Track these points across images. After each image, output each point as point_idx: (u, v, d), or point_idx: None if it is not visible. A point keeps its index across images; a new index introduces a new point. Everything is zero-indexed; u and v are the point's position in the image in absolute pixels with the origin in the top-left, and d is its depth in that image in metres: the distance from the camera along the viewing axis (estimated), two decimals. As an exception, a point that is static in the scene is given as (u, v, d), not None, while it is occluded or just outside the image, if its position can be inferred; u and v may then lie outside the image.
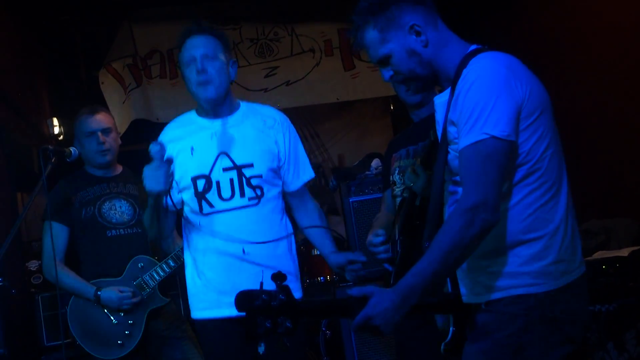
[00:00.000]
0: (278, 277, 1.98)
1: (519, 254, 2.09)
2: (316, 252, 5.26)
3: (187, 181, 3.06)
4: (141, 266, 3.89)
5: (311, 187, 7.31)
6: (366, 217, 4.37)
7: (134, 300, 3.82)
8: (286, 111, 6.78)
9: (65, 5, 6.00)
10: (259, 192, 3.06)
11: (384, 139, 7.50)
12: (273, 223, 3.11)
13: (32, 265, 5.03)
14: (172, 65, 6.28)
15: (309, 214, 3.27)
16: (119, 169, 4.05)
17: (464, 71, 2.12)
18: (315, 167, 7.37)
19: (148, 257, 3.92)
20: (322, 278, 5.23)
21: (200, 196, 3.05)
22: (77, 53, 6.63)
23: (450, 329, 2.25)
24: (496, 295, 2.11)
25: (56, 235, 3.79)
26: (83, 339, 3.82)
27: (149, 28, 6.27)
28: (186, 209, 3.13)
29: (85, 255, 3.93)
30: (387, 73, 2.31)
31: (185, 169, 3.06)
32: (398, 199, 3.29)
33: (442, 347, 2.27)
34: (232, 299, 2.60)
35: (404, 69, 2.25)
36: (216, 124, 3.08)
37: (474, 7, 6.17)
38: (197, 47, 3.00)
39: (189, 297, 3.17)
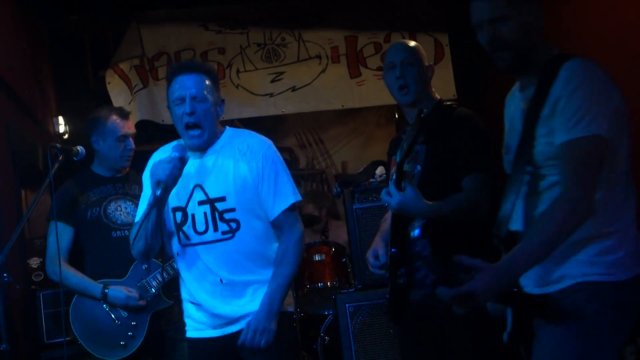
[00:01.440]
0: None
1: (595, 245, 2.24)
2: (317, 257, 5.30)
3: (169, 211, 3.09)
4: (145, 268, 3.91)
5: (312, 192, 7.38)
6: (369, 224, 4.38)
7: (140, 302, 3.85)
8: (291, 117, 7.02)
9: (74, 5, 6.06)
10: (233, 226, 3.04)
11: (387, 147, 7.54)
12: (256, 255, 3.09)
13: (34, 262, 5.05)
14: (178, 68, 6.33)
15: (275, 263, 3.11)
16: (125, 170, 4.09)
17: (563, 71, 2.26)
18: (319, 173, 7.46)
19: (152, 259, 3.92)
20: (322, 284, 5.25)
21: (178, 228, 3.09)
22: (85, 53, 6.68)
23: (509, 317, 2.32)
24: (568, 282, 2.26)
25: (61, 235, 3.84)
26: (85, 339, 3.85)
27: (157, 30, 6.32)
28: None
29: (89, 256, 3.96)
30: (484, 36, 2.40)
31: (167, 200, 3.07)
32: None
33: (505, 337, 2.33)
34: (219, 321, 3.05)
35: (512, 38, 2.33)
36: (196, 155, 3.09)
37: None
38: (187, 88, 2.99)
39: (183, 314, 3.24)
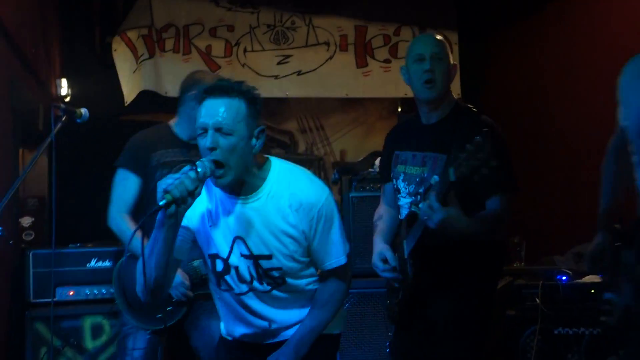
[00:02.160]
0: None
1: None
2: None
3: (205, 257, 2.81)
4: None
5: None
6: (365, 212, 4.42)
7: (189, 293, 3.67)
8: (294, 100, 7.03)
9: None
10: (279, 281, 2.76)
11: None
12: (303, 296, 2.86)
13: (26, 221, 5.11)
14: (186, 42, 6.34)
15: (313, 303, 2.88)
16: None
17: None
18: (317, 159, 7.47)
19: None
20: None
21: (219, 276, 2.79)
22: (94, 18, 6.67)
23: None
24: None
25: (128, 185, 3.72)
26: (122, 302, 3.78)
27: (167, 1, 6.33)
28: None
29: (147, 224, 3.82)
30: None
31: (202, 237, 2.76)
32: (402, 209, 3.27)
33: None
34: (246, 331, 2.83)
35: None
36: (235, 201, 2.69)
37: (508, 11, 6.24)
38: (211, 116, 2.54)
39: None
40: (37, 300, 4.36)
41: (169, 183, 2.40)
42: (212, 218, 2.72)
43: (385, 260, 3.19)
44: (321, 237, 2.73)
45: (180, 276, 3.63)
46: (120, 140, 3.92)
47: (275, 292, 2.78)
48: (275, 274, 2.73)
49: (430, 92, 3.13)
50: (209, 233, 2.73)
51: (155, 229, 2.51)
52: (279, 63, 6.45)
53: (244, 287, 2.77)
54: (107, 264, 4.54)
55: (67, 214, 3.97)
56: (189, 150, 3.78)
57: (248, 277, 2.74)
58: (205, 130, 2.54)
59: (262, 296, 2.79)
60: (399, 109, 7.41)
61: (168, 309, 3.72)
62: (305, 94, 6.58)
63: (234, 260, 2.72)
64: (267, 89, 6.32)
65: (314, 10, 6.56)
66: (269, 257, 2.70)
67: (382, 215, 3.46)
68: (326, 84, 6.52)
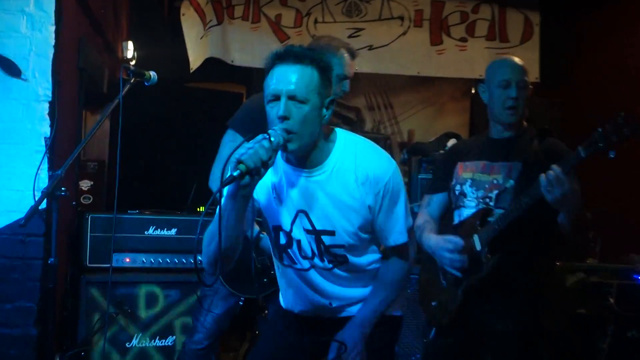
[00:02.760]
0: None
1: None
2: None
3: (269, 228, 2.80)
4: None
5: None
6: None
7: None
8: (363, 76, 6.94)
9: None
10: (341, 259, 2.74)
11: (459, 121, 7.43)
12: (366, 273, 2.83)
13: (85, 184, 5.14)
14: (256, 9, 6.28)
15: (376, 282, 2.85)
16: None
17: None
18: (384, 138, 7.39)
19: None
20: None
21: (282, 249, 2.78)
22: (164, -20, 6.70)
23: None
24: None
25: (233, 146, 3.74)
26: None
27: (239, -33, 6.30)
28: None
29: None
30: None
31: (267, 209, 2.76)
32: (465, 211, 3.35)
33: None
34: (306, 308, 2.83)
35: None
36: (299, 174, 2.66)
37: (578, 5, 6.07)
38: (285, 83, 2.49)
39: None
40: (93, 265, 4.37)
41: (242, 153, 2.36)
42: (276, 190, 2.70)
43: (453, 242, 3.26)
44: (386, 213, 2.69)
45: None
46: (184, 107, 3.90)
47: (336, 270, 2.75)
48: (338, 251, 2.71)
49: (512, 117, 3.30)
50: (273, 205, 2.72)
51: (225, 199, 2.47)
52: (350, 36, 6.33)
53: (305, 263, 2.76)
54: (165, 232, 4.53)
55: (127, 180, 3.95)
56: None
57: (309, 253, 2.73)
58: (277, 97, 2.50)
59: (323, 273, 2.76)
60: (473, 91, 7.27)
61: (264, 280, 3.75)
62: (375, 70, 6.46)
63: (297, 233, 2.71)
64: (337, 63, 6.24)
65: (390, -18, 6.43)
66: (331, 233, 2.67)
67: (427, 220, 3.54)
68: (398, 60, 6.40)
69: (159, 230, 4.54)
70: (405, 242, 2.78)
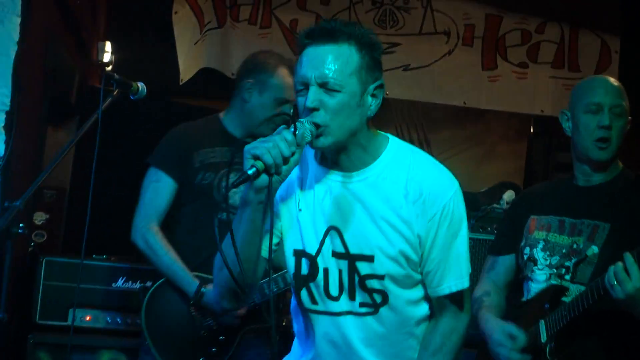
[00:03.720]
0: None
1: None
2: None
3: (289, 250, 2.69)
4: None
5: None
6: (480, 261, 4.27)
7: (238, 316, 3.76)
8: (396, 103, 6.94)
9: None
10: (378, 299, 2.61)
11: (511, 167, 7.44)
12: (403, 329, 2.68)
13: (39, 218, 5.10)
14: (266, 11, 6.30)
15: (422, 349, 2.71)
16: None
17: None
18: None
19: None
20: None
21: (302, 282, 2.67)
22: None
23: None
24: None
25: (160, 188, 3.81)
26: (155, 340, 3.81)
27: (251, -45, 6.34)
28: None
29: (181, 234, 3.90)
30: None
31: (287, 225, 2.68)
32: (534, 285, 3.27)
33: None
34: None
35: None
36: (335, 178, 2.61)
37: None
38: (314, 67, 2.46)
39: None
40: (45, 322, 4.34)
41: (258, 147, 2.31)
42: (303, 200, 2.65)
43: (513, 338, 3.15)
44: (442, 247, 2.59)
45: None
46: (169, 127, 3.91)
47: (371, 320, 2.63)
48: (375, 284, 2.59)
49: (603, 153, 3.17)
50: (296, 220, 2.65)
51: (239, 209, 2.45)
52: (382, 52, 6.34)
53: (331, 305, 2.64)
54: (137, 285, 4.51)
55: (93, 216, 3.93)
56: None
57: (337, 288, 2.62)
58: (305, 85, 2.48)
59: (347, 323, 2.63)
60: (531, 130, 7.28)
61: (212, 350, 3.75)
62: (410, 97, 6.49)
63: (324, 259, 2.62)
64: (364, 84, 6.23)
65: (435, -12, 6.46)
66: (369, 258, 2.57)
67: (488, 291, 3.46)
68: (440, 86, 6.40)
69: (130, 282, 4.52)
70: (465, 291, 2.68)
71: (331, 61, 2.44)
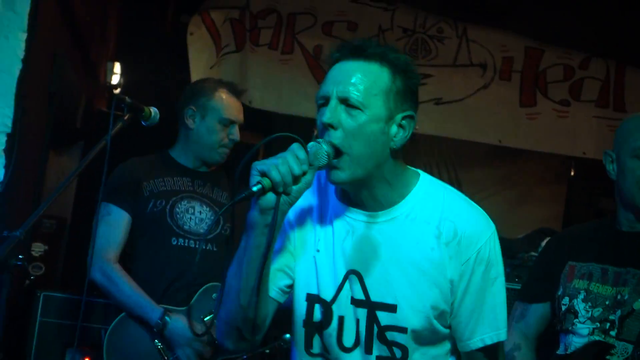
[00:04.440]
0: None
1: None
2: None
3: (299, 297, 2.60)
4: (215, 298, 3.85)
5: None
6: (513, 313, 4.29)
7: (207, 349, 3.80)
8: (425, 139, 6.92)
9: None
10: (397, 353, 2.51)
11: (549, 212, 7.39)
12: None
13: (37, 249, 5.13)
14: (289, 36, 6.34)
15: None
16: (215, 166, 4.12)
17: None
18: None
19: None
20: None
21: (314, 330, 2.58)
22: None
23: None
24: None
25: (112, 221, 3.87)
26: None
27: (272, -24, 6.39)
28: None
29: (141, 266, 3.95)
30: None
31: (301, 267, 2.60)
32: (575, 339, 3.22)
33: None
34: None
35: None
36: (358, 217, 2.54)
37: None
38: (337, 82, 2.42)
39: None
40: (39, 363, 4.31)
41: (266, 162, 2.25)
42: (319, 239, 2.57)
43: None
44: (476, 293, 2.49)
45: (189, 328, 3.75)
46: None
47: None
48: (397, 337, 2.49)
49: None
50: (312, 261, 2.57)
51: (243, 235, 2.38)
52: (419, 83, 6.35)
53: (342, 357, 2.54)
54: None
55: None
56: (194, 180, 4.02)
57: (353, 339, 2.52)
58: (326, 100, 2.42)
59: None
60: (572, 173, 7.25)
61: None
62: (441, 132, 6.50)
63: (341, 306, 2.52)
64: (391, 118, 6.24)
65: (471, 17, 6.47)
66: (392, 308, 2.47)
67: (519, 345, 3.40)
68: (474, 122, 6.44)
69: (134, 322, 4.49)
70: (501, 345, 2.58)
71: (357, 77, 2.40)
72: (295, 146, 2.30)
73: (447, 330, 2.54)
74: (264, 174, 2.23)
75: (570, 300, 3.25)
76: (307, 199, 2.57)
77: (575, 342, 3.20)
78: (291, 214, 2.53)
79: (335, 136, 2.37)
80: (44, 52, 4.34)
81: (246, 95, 6.13)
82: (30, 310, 4.37)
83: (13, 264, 2.88)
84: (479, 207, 2.58)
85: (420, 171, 2.60)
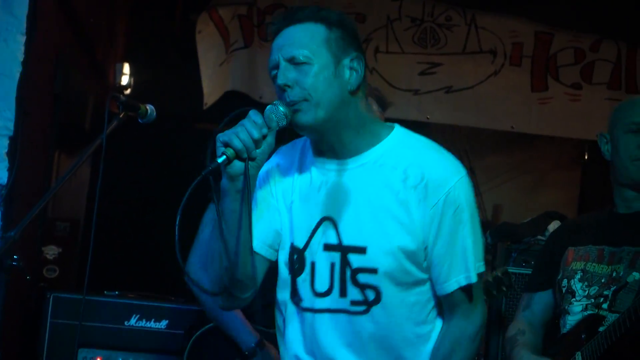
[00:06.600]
0: None
1: None
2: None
3: (286, 243, 2.69)
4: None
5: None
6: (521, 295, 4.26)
7: None
8: (437, 128, 6.90)
9: None
10: (370, 296, 2.58)
11: (564, 197, 7.37)
12: (397, 339, 2.63)
13: (50, 251, 5.13)
14: (297, 29, 6.32)
15: (435, 351, 2.66)
16: None
17: None
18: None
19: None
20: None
21: (291, 279, 2.69)
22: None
23: None
24: None
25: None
26: None
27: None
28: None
29: None
30: None
31: (284, 224, 2.69)
32: (570, 318, 3.25)
33: None
34: None
35: None
36: (330, 166, 2.64)
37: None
38: (280, 47, 2.53)
39: None
40: (50, 365, 4.32)
41: (227, 133, 2.37)
42: (294, 190, 2.68)
43: None
44: (447, 236, 2.55)
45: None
46: (192, 155, 3.88)
47: (363, 320, 2.59)
48: (368, 279, 2.57)
49: None
50: (287, 212, 2.68)
51: (220, 203, 2.50)
52: (422, 73, 6.34)
53: (318, 302, 2.63)
54: (152, 324, 4.49)
55: (107, 249, 3.93)
56: None
57: (327, 284, 2.61)
58: (276, 66, 2.51)
59: (342, 325, 2.61)
60: (586, 156, 7.19)
61: None
62: (454, 121, 6.49)
63: (313, 252, 2.62)
64: (402, 108, 6.19)
65: (480, 4, 6.42)
66: (362, 250, 2.56)
67: (523, 330, 3.42)
68: (485, 109, 6.40)
69: (143, 321, 4.49)
70: (475, 285, 2.60)
71: (296, 37, 2.51)
72: (252, 112, 2.41)
73: (422, 274, 2.61)
74: (226, 145, 2.35)
75: (568, 282, 3.28)
76: (290, 159, 2.71)
77: (570, 320, 3.24)
78: (275, 173, 2.69)
79: (293, 94, 2.48)
80: (46, 54, 4.34)
81: (256, 91, 6.15)
82: (41, 311, 4.36)
83: (8, 264, 2.88)
84: (451, 154, 2.62)
85: (397, 125, 2.69)
